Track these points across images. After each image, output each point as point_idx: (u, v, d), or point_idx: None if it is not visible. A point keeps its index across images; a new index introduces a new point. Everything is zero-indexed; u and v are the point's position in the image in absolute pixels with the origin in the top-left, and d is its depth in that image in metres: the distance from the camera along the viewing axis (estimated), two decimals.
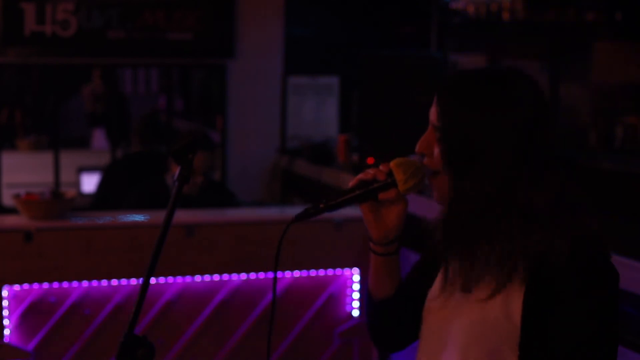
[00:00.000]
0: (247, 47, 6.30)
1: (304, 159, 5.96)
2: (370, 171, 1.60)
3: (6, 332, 3.52)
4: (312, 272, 3.81)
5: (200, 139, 4.26)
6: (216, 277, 3.71)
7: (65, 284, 3.56)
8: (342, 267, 3.84)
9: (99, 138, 7.47)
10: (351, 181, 1.62)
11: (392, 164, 1.59)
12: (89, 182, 6.45)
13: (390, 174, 1.58)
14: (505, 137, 1.48)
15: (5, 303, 3.51)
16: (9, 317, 3.53)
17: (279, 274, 3.76)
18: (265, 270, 3.74)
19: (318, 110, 6.48)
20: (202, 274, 3.69)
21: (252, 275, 3.74)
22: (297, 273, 3.78)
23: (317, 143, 6.00)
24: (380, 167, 1.60)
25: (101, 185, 4.97)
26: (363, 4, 6.97)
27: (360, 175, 1.60)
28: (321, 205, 1.59)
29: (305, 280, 3.81)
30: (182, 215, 3.72)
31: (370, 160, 5.01)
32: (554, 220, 1.48)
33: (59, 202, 3.63)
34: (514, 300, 1.50)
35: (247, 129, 6.37)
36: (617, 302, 1.48)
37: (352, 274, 3.85)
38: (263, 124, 6.40)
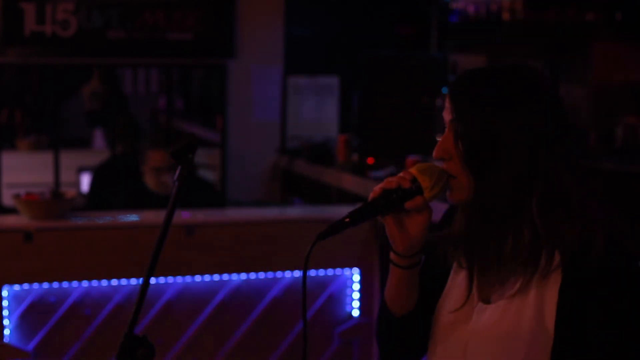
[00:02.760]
0: (247, 47, 6.30)
1: (304, 159, 5.95)
2: (393, 179, 1.52)
3: (6, 332, 3.52)
4: (312, 272, 3.81)
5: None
6: (216, 277, 3.71)
7: (65, 284, 3.56)
8: (342, 267, 3.83)
9: (100, 138, 7.47)
10: (373, 191, 1.53)
11: (414, 170, 1.52)
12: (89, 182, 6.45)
13: (414, 180, 1.51)
14: (523, 129, 1.47)
15: (5, 303, 3.50)
16: (9, 317, 3.53)
17: (279, 274, 3.76)
18: (266, 270, 3.74)
19: (318, 110, 6.48)
20: (202, 274, 3.69)
21: (252, 275, 3.74)
22: (297, 273, 3.78)
23: (317, 143, 5.99)
24: (402, 174, 1.52)
25: (91, 189, 4.96)
26: (363, 4, 6.97)
27: (383, 184, 1.52)
28: (346, 220, 1.50)
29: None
30: (182, 215, 3.72)
31: (370, 160, 5.01)
32: (586, 211, 1.47)
33: (59, 202, 3.62)
34: (547, 306, 1.47)
35: (247, 129, 6.37)
36: None
37: (352, 274, 3.84)
38: (263, 124, 6.41)
